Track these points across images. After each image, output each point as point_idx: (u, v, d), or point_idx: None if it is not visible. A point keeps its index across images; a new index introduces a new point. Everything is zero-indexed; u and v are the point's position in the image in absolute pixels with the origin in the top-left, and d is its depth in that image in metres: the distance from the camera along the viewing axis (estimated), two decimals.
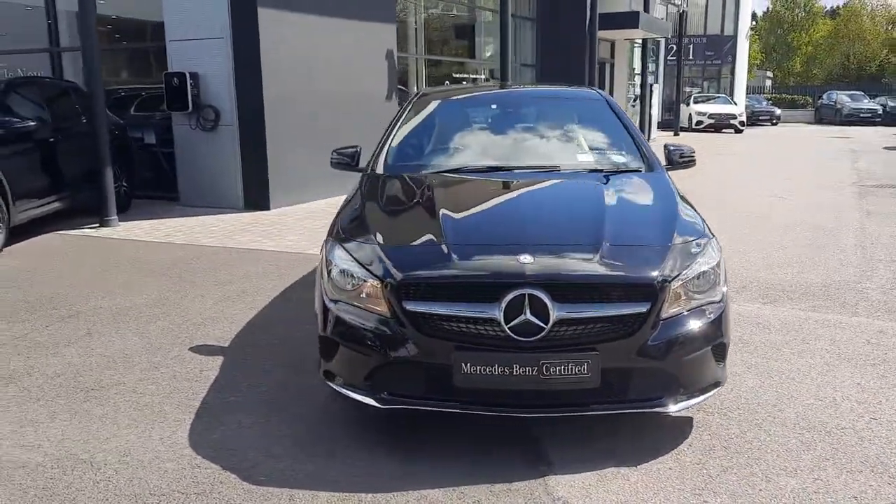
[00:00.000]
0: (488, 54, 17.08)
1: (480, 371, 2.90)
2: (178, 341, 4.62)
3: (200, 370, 4.13)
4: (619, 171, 4.12)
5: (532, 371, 2.89)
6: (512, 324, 2.89)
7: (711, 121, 28.68)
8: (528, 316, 2.88)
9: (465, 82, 14.93)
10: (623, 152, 4.34)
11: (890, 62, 54.68)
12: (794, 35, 63.38)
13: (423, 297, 3.00)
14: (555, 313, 2.88)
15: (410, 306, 2.99)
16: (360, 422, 3.41)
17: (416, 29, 13.34)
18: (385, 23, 11.65)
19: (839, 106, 38.85)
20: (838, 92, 41.67)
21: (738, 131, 28.57)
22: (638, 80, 23.15)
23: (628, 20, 17.47)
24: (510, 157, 4.35)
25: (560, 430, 3.24)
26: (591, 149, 4.45)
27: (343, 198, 4.14)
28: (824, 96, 42.18)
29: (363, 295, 3.15)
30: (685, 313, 3.04)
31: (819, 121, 40.26)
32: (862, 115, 36.86)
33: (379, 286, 3.08)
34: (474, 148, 4.55)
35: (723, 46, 33.63)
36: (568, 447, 3.14)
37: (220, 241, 7.67)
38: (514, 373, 2.89)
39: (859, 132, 28.35)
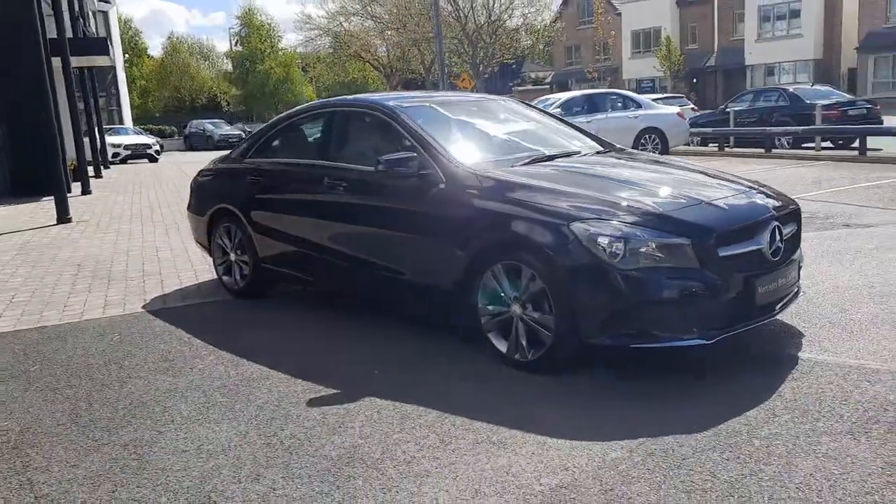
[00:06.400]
0: None
1: (765, 289, 3.76)
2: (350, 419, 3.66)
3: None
4: (610, 150, 5.14)
5: (782, 281, 3.90)
6: (772, 249, 3.83)
7: (128, 151, 28.30)
8: (779, 242, 3.87)
9: None
10: (584, 138, 5.32)
11: (225, 92, 60.87)
12: (127, 70, 64.84)
13: (728, 243, 3.65)
14: (783, 234, 3.94)
15: (724, 252, 3.61)
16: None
17: None
18: None
19: (209, 133, 42.31)
20: (203, 121, 45.17)
21: (154, 160, 28.90)
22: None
23: (99, 47, 16.34)
24: (551, 146, 4.89)
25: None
26: (569, 136, 5.26)
27: None
28: (190, 125, 45.15)
29: (662, 255, 3.54)
30: None
31: (191, 148, 43.00)
32: (231, 140, 40.98)
33: (687, 243, 3.56)
34: (527, 140, 4.96)
35: (105, 77, 32.99)
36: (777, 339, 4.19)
37: None
38: (778, 285, 3.85)
39: None
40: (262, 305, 5.67)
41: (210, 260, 7.18)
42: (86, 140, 25.86)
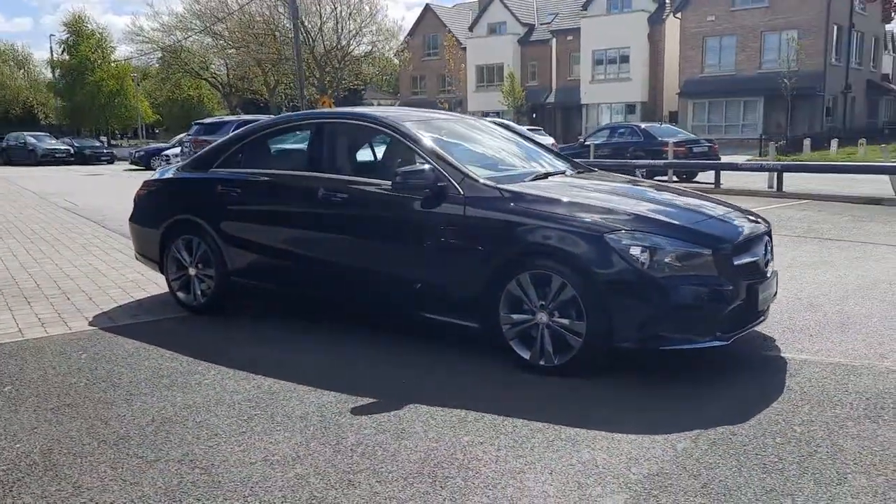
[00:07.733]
0: None
1: (763, 296, 4.20)
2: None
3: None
4: (583, 169, 5.46)
5: (771, 289, 4.37)
6: (765, 261, 4.28)
7: None
8: (769, 255, 4.34)
9: None
10: (555, 158, 5.61)
11: (43, 103, 56.04)
12: None
13: (740, 253, 4.05)
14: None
15: (738, 261, 4.00)
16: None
17: None
18: None
19: (31, 147, 38.84)
20: (23, 133, 41.42)
21: None
22: None
23: None
24: (539, 164, 5.10)
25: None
26: (545, 155, 5.51)
27: None
28: (8, 137, 41.23)
29: (687, 264, 3.86)
30: None
31: (8, 162, 39.26)
32: (58, 156, 38.04)
33: (708, 254, 3.92)
34: (516, 158, 5.08)
35: None
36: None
37: None
38: (769, 293, 4.31)
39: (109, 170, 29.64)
40: (225, 321, 5.42)
41: (137, 277, 6.79)
42: None
